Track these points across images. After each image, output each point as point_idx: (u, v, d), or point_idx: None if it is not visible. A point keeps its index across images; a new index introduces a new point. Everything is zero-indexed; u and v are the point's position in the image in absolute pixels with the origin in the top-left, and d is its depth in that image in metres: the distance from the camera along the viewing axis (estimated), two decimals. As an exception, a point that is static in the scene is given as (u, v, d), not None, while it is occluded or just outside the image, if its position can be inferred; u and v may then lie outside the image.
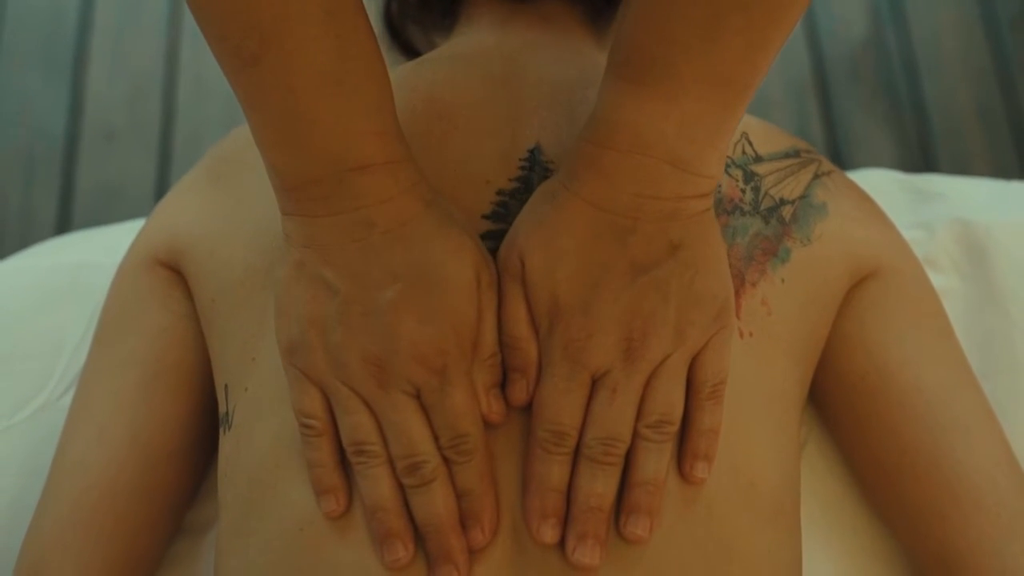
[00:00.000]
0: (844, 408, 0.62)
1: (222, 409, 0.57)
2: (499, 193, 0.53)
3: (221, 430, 0.57)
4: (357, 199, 0.47)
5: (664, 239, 0.48)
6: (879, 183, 0.76)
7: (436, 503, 0.47)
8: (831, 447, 0.66)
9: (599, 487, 0.47)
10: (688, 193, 0.48)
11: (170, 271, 0.64)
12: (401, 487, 0.48)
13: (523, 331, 0.48)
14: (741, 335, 0.53)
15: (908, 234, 0.67)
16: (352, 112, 0.46)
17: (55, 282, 0.75)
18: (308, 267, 0.48)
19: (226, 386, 0.56)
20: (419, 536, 0.48)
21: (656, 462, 0.47)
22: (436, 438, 0.48)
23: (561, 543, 0.47)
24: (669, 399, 0.48)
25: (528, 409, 0.49)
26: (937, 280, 0.67)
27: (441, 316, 0.47)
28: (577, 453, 0.47)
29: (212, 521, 0.66)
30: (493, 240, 0.52)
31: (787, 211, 0.58)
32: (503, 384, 0.49)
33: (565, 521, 0.47)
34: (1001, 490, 0.58)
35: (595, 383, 0.48)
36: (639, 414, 0.48)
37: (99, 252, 0.73)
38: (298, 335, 0.48)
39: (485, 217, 0.53)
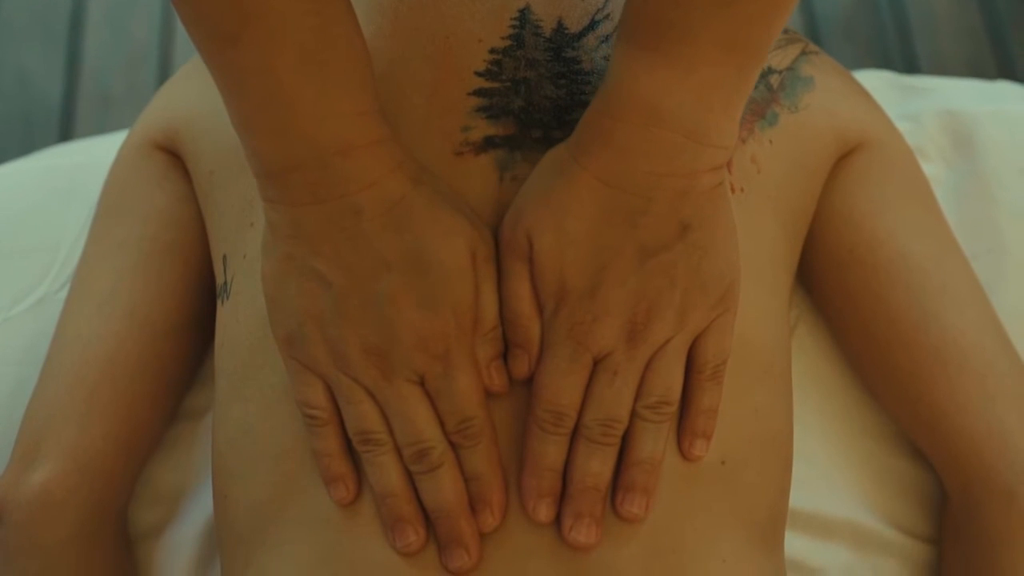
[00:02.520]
0: (834, 283, 0.63)
1: (220, 280, 0.58)
2: (492, 52, 0.54)
3: (219, 303, 0.57)
4: (342, 185, 0.46)
5: (675, 220, 0.47)
6: (867, 80, 0.78)
7: (445, 488, 0.47)
8: (822, 329, 0.67)
9: (596, 467, 0.47)
10: (702, 167, 0.46)
11: (167, 154, 0.65)
12: (409, 474, 0.48)
13: (526, 309, 0.48)
14: (733, 190, 0.54)
15: (896, 125, 0.68)
16: (333, 92, 0.46)
17: (53, 182, 0.76)
18: (298, 260, 0.48)
19: (224, 256, 0.57)
20: (429, 522, 0.48)
21: (653, 442, 0.48)
22: (442, 423, 0.48)
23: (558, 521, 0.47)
24: (669, 381, 0.48)
25: (526, 388, 0.49)
26: (925, 169, 0.68)
27: (439, 301, 0.47)
28: (575, 433, 0.48)
29: (209, 406, 0.67)
30: (486, 97, 0.52)
31: (775, 79, 0.59)
32: (505, 356, 0.49)
33: (562, 500, 0.47)
34: (987, 352, 0.59)
35: (596, 364, 0.48)
36: (638, 394, 0.48)
37: (98, 155, 0.74)
38: (296, 329, 0.48)
39: (479, 74, 0.53)
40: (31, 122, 1.43)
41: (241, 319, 0.54)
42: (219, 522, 0.55)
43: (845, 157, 0.62)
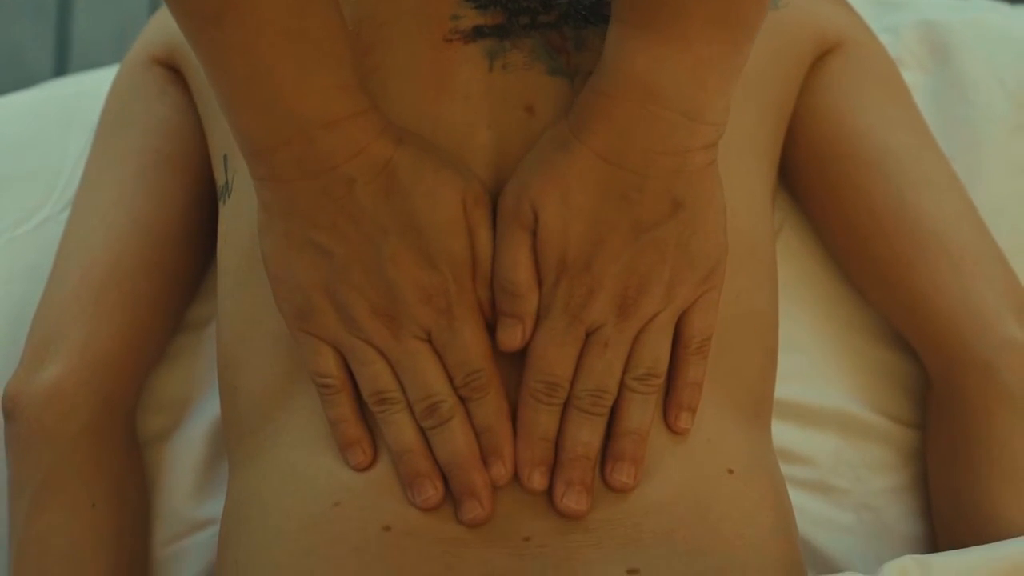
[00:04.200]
0: (816, 178, 0.65)
1: (220, 181, 0.59)
2: None
3: (220, 203, 0.59)
4: (329, 157, 0.47)
5: (668, 197, 0.48)
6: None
7: (457, 440, 0.48)
8: (807, 231, 0.69)
9: (585, 436, 0.48)
10: (696, 145, 0.48)
11: (166, 69, 0.67)
12: (423, 433, 0.49)
13: (523, 277, 0.48)
14: None
15: (874, 35, 0.70)
16: (315, 68, 0.46)
17: (54, 110, 0.77)
18: (296, 235, 0.48)
19: (225, 156, 0.59)
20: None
21: (641, 413, 0.49)
22: (451, 379, 0.49)
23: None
24: (656, 354, 0.49)
25: (516, 360, 0.50)
26: (904, 76, 0.70)
27: (436, 258, 0.48)
28: (566, 404, 0.49)
29: (212, 317, 0.68)
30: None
31: None
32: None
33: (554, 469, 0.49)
34: (964, 235, 0.62)
35: (588, 336, 0.49)
36: (627, 367, 0.49)
37: (97, 83, 0.75)
38: (304, 302, 0.49)
39: None
40: (22, 98, 1.44)
41: (243, 214, 0.56)
42: (227, 417, 0.57)
43: (823, 57, 0.65)
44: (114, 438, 0.61)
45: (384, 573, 0.48)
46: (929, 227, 0.62)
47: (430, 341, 0.49)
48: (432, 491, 0.48)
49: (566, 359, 0.49)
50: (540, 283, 0.49)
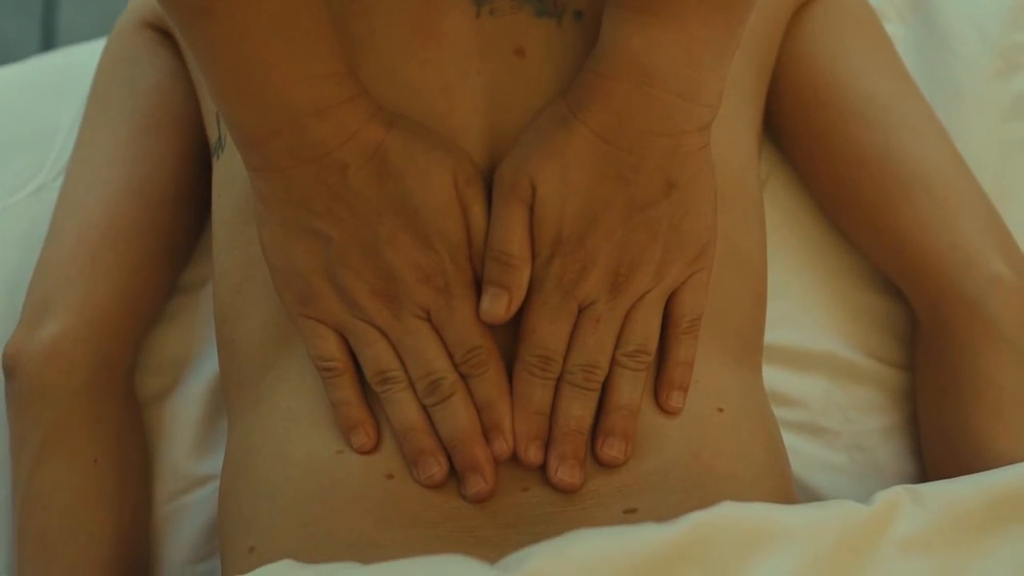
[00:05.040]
0: (802, 126, 0.66)
1: (213, 138, 0.60)
2: None
3: (214, 159, 0.60)
4: (322, 144, 0.47)
5: (662, 177, 0.49)
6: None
7: (459, 416, 0.49)
8: (793, 180, 0.70)
9: (578, 410, 0.49)
10: (690, 127, 0.48)
11: (157, 31, 0.67)
12: (426, 412, 0.50)
13: (517, 249, 0.49)
14: None
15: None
16: (305, 56, 0.47)
17: (46, 79, 0.78)
18: (293, 222, 0.49)
19: (218, 113, 0.59)
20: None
21: (631, 388, 0.50)
22: (451, 357, 0.49)
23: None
24: (646, 331, 0.50)
25: (513, 339, 0.50)
26: (886, 28, 0.71)
27: (432, 238, 0.48)
28: (559, 380, 0.50)
29: (208, 277, 0.69)
30: None
31: None
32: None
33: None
34: (948, 175, 0.63)
35: (580, 312, 0.50)
36: (618, 343, 0.50)
37: (89, 55, 0.76)
38: (305, 287, 0.50)
39: None
40: (9, 92, 1.44)
41: (236, 168, 0.56)
42: (225, 371, 0.57)
43: (804, 7, 0.66)
44: (114, 395, 0.62)
45: (385, 519, 0.49)
46: (913, 170, 0.63)
47: (430, 320, 0.50)
48: (436, 468, 0.49)
49: (559, 333, 0.49)
50: (534, 258, 0.49)
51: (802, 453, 0.64)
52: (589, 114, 0.48)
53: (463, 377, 0.50)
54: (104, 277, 0.62)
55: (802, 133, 0.67)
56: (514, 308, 0.49)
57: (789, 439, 0.60)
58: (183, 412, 0.65)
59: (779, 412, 0.61)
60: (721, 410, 0.52)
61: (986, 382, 0.58)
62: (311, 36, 0.47)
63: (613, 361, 0.50)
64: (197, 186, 0.66)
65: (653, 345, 0.50)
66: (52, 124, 0.74)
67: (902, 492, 0.49)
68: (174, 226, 0.66)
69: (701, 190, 0.50)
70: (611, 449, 0.49)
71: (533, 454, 0.49)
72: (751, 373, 0.56)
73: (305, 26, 0.47)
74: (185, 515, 0.63)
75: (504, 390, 0.50)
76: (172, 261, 0.67)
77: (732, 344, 0.54)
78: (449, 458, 0.49)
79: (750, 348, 0.57)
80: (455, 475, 0.49)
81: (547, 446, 0.49)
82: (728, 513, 0.45)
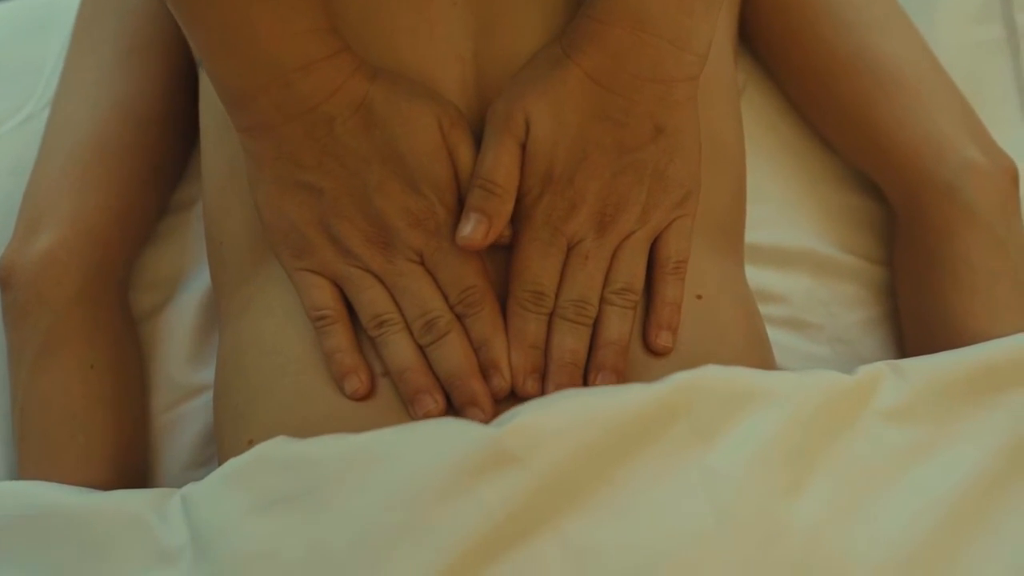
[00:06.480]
0: (779, 30, 0.68)
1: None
2: None
3: (200, 71, 0.61)
4: (308, 99, 0.48)
5: (651, 122, 0.50)
6: None
7: (456, 352, 0.50)
8: (769, 88, 0.72)
9: (571, 343, 0.50)
10: (680, 75, 0.50)
11: (142, -45, 0.68)
12: (422, 353, 0.50)
13: (502, 179, 0.49)
14: None
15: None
16: (289, 14, 0.48)
17: (30, 16, 0.79)
18: (286, 178, 0.50)
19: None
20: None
21: (620, 324, 0.51)
22: (446, 298, 0.50)
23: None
24: (632, 269, 0.51)
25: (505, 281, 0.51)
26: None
27: (420, 183, 0.49)
28: (552, 316, 0.51)
29: (198, 197, 0.70)
30: None
31: None
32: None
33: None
34: (920, 69, 0.64)
35: (569, 251, 0.51)
36: (606, 282, 0.51)
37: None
38: (301, 240, 0.51)
39: None
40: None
41: None
42: (216, 274, 0.58)
43: None
44: (109, 305, 0.63)
45: (378, 413, 0.50)
46: (887, 66, 0.64)
47: (424, 264, 0.51)
48: (432, 405, 0.49)
49: (550, 268, 0.51)
50: (525, 195, 0.50)
51: (786, 346, 0.65)
52: (583, 56, 0.49)
53: (458, 317, 0.50)
54: (94, 191, 0.62)
55: (779, 37, 0.68)
56: (492, 236, 0.49)
57: (773, 334, 0.61)
58: (177, 324, 0.66)
59: (763, 308, 0.63)
60: (700, 297, 0.53)
61: (962, 264, 0.60)
62: None
63: (602, 300, 0.51)
64: (186, 106, 0.67)
65: (639, 284, 0.52)
66: (39, 56, 0.75)
67: (884, 366, 0.50)
68: (163, 145, 0.67)
69: (687, 139, 0.52)
70: (603, 383, 0.50)
71: (531, 386, 0.50)
72: (732, 264, 0.57)
73: None
74: (182, 423, 0.64)
75: (500, 328, 0.50)
76: (162, 179, 0.68)
77: (713, 232, 0.56)
78: (446, 398, 0.50)
79: (731, 239, 0.58)
80: (451, 414, 0.50)
81: (543, 379, 0.50)
82: (713, 375, 0.46)
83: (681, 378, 0.46)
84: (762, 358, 0.55)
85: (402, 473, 0.44)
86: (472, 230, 0.49)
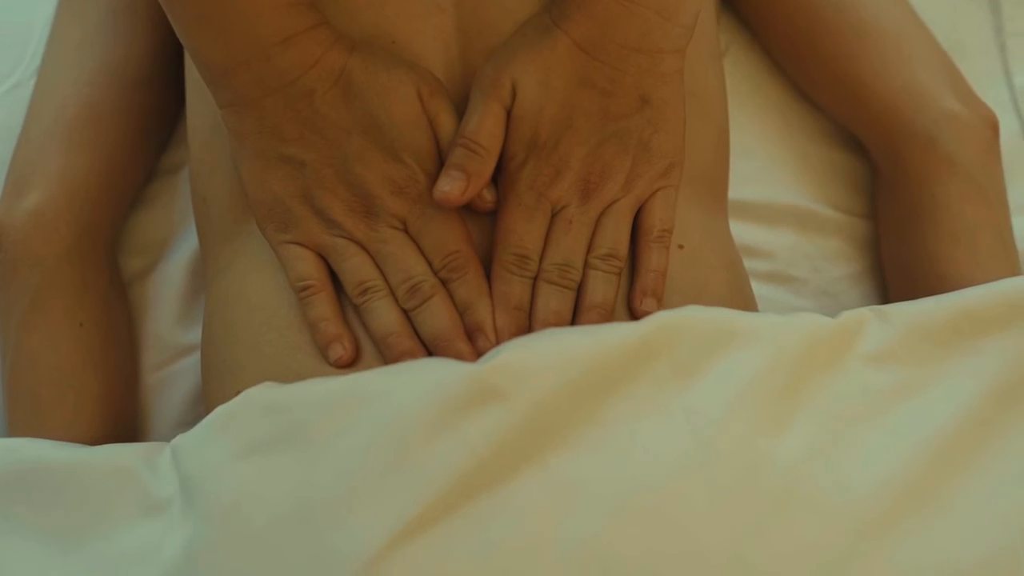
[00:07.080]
0: None
1: None
2: None
3: None
4: (288, 72, 0.48)
5: (637, 93, 0.50)
6: None
7: (441, 315, 0.49)
8: (753, 48, 0.73)
9: (555, 304, 0.50)
10: (667, 46, 0.50)
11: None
12: (407, 317, 0.50)
13: (484, 140, 0.49)
14: None
15: None
16: None
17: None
18: (269, 152, 0.50)
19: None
20: None
21: (604, 288, 0.51)
22: (430, 264, 0.50)
23: None
24: (616, 236, 0.51)
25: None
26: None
27: (400, 152, 0.49)
28: (536, 280, 0.51)
29: (185, 162, 0.70)
30: None
31: None
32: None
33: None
34: (900, 25, 0.65)
35: (553, 216, 0.51)
36: (590, 247, 0.51)
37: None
38: (285, 213, 0.51)
39: None
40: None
41: None
42: (203, 231, 0.59)
43: None
44: (98, 264, 0.63)
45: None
46: (867, 20, 0.65)
47: (407, 232, 0.51)
48: None
49: (535, 232, 0.51)
50: (509, 160, 0.51)
51: (772, 300, 0.66)
52: (571, 24, 0.50)
53: (443, 283, 0.51)
54: (81, 151, 0.63)
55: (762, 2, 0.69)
56: (469, 194, 0.49)
57: (759, 288, 0.62)
58: (166, 286, 0.67)
59: (749, 264, 0.63)
60: (681, 247, 0.53)
61: (943, 212, 0.60)
62: None
63: (586, 265, 0.51)
64: (173, 68, 0.67)
65: (623, 251, 0.52)
66: (27, 23, 0.75)
67: (867, 312, 0.50)
68: (151, 107, 0.67)
69: (672, 111, 0.52)
70: None
71: None
72: (715, 215, 0.58)
73: None
74: (171, 383, 0.64)
75: (484, 291, 0.50)
76: (150, 141, 0.68)
77: (696, 182, 0.56)
78: None
79: (714, 191, 0.58)
80: None
81: None
82: (694, 315, 0.47)
83: (663, 317, 0.46)
84: (745, 307, 0.55)
85: (386, 412, 0.44)
86: (451, 187, 0.49)
